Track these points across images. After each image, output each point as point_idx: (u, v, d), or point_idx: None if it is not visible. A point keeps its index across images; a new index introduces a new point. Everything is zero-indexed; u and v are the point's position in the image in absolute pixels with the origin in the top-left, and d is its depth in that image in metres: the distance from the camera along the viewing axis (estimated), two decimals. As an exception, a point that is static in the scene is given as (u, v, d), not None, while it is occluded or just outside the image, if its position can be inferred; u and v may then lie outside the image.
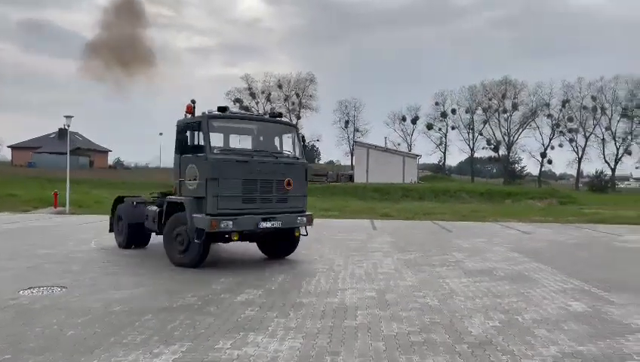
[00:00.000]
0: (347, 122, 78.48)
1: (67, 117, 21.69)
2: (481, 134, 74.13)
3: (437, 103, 74.72)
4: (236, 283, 7.90)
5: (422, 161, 68.23)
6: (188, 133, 9.09)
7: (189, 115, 9.27)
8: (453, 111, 74.03)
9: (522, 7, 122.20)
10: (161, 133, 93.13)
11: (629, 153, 66.18)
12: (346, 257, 10.55)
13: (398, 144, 71.42)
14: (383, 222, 20.02)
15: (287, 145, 9.91)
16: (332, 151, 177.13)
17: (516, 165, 73.98)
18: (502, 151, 73.67)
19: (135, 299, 6.79)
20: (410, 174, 48.62)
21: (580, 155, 68.21)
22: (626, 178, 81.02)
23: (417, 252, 11.50)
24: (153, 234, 10.84)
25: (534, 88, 68.90)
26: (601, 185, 58.53)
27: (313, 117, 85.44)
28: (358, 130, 78.39)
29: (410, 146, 76.41)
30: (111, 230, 11.98)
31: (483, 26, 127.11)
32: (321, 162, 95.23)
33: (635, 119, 64.88)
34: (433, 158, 79.16)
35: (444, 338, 5.30)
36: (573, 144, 68.64)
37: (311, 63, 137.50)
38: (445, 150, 76.74)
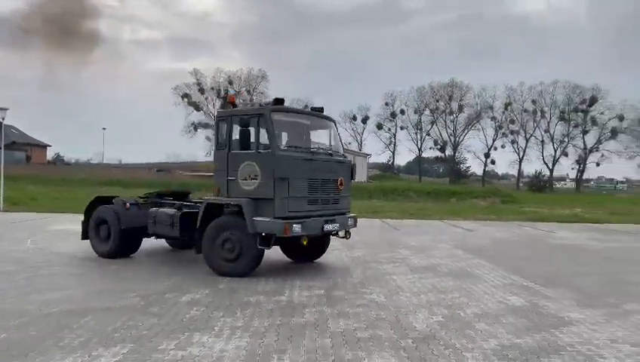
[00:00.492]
0: (298, 120, 78.52)
1: (1, 109, 20.49)
2: (428, 135, 76.11)
3: (387, 104, 76.05)
4: (182, 282, 7.73)
5: (372, 160, 69.28)
6: (239, 127, 7.96)
7: (231, 106, 8.58)
8: (402, 111, 75.56)
9: (470, 12, 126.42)
10: (104, 128, 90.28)
11: (566, 155, 69.79)
12: (295, 255, 10.53)
13: (349, 143, 72.03)
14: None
15: (334, 141, 9.23)
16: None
17: (461, 165, 76.45)
18: (448, 151, 75.90)
19: (74, 299, 6.51)
20: (360, 173, 49.18)
21: (520, 156, 71.29)
22: (562, 178, 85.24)
23: (365, 249, 11.65)
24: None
25: (479, 91, 71.49)
26: (539, 185, 61.35)
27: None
28: (309, 129, 78.64)
29: (360, 145, 77.44)
30: (85, 237, 10.09)
31: (432, 29, 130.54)
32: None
33: (572, 122, 68.47)
34: (383, 158, 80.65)
35: (389, 333, 5.39)
36: (515, 145, 71.67)
37: (263, 61, 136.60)
38: (394, 150, 78.29)
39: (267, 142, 7.99)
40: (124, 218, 9.42)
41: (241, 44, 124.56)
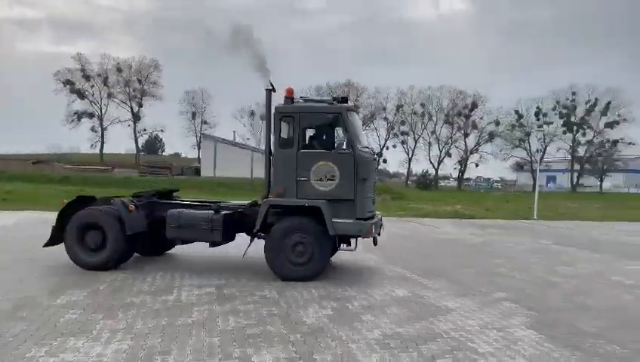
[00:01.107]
0: (194, 114, 76.10)
1: None
2: (325, 133, 77.74)
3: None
4: (57, 284, 7.13)
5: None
6: (314, 125, 7.90)
7: (289, 101, 8.03)
8: (300, 109, 76.40)
9: (366, 15, 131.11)
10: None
11: (450, 155, 75.16)
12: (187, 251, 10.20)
13: (247, 139, 71.35)
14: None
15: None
16: (177, 143, 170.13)
17: (356, 164, 79.19)
18: (343, 150, 78.13)
19: None
20: (258, 170, 48.90)
21: (410, 156, 75.48)
22: (446, 177, 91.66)
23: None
24: None
25: (374, 92, 74.41)
26: (426, 183, 65.53)
27: (157, 105, 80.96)
28: (206, 123, 76.54)
29: (259, 142, 76.97)
30: (52, 243, 8.59)
31: (330, 29, 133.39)
32: (165, 154, 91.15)
33: (455, 125, 73.91)
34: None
35: (279, 329, 5.41)
36: (405, 145, 75.65)
37: (157, 49, 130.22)
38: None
39: (339, 141, 7.95)
40: (130, 222, 8.23)
41: (133, 31, 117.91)
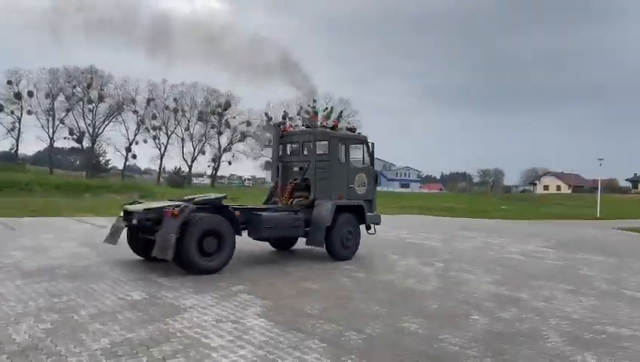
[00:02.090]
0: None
1: None
2: (63, 123, 69.15)
3: (10, 82, 65.03)
4: None
5: (-11, 147, 58.15)
6: (349, 149, 11.26)
7: (315, 123, 11.72)
8: (30, 93, 66.11)
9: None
10: None
11: (204, 153, 75.48)
12: None
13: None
14: None
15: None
16: None
17: (101, 158, 72.75)
18: (86, 142, 70.94)
19: None
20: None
21: (162, 152, 72.97)
22: (201, 175, 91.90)
23: (-36, 254, 9.57)
24: None
25: (121, 82, 69.41)
26: (179, 180, 64.44)
27: None
28: None
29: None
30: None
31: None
32: None
33: (209, 123, 74.56)
34: (4, 145, 68.67)
35: (-24, 353, 4.50)
36: (157, 141, 72.86)
37: None
38: (19, 137, 67.81)
39: (361, 158, 11.62)
40: (237, 227, 9.22)
41: None
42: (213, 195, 9.68)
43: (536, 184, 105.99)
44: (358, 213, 11.13)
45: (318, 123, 12.03)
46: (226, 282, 8.08)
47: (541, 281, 9.44)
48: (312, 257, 11.01)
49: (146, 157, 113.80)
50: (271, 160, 12.63)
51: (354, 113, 78.80)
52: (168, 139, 72.93)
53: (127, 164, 74.38)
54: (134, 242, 9.66)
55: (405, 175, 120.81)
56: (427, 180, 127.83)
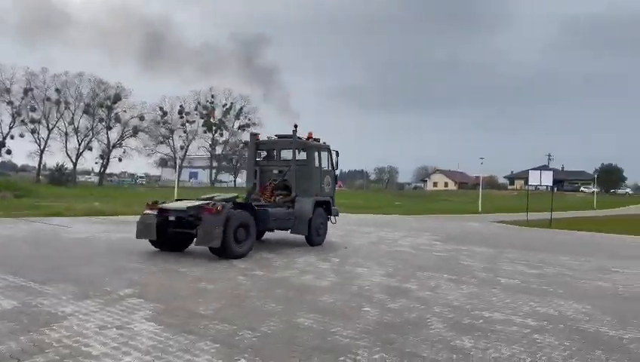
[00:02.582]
0: None
1: None
2: None
3: None
4: None
5: None
6: (321, 156, 14.13)
7: (312, 140, 14.02)
8: None
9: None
10: None
11: (90, 149, 70.27)
12: None
13: None
14: None
15: None
16: None
17: (-32, 154, 65.11)
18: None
19: None
20: None
21: (42, 147, 66.89)
22: (87, 172, 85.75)
23: None
24: None
25: (-7, 69, 62.31)
26: (62, 178, 59.48)
27: None
28: None
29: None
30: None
31: None
32: None
33: (97, 117, 69.56)
34: None
35: None
36: (36, 135, 66.63)
37: None
38: None
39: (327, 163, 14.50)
40: (258, 220, 11.35)
41: None
42: (224, 195, 12.11)
43: (426, 181, 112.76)
44: (327, 207, 13.90)
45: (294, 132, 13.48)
46: (113, 286, 7.58)
47: (428, 272, 10.03)
48: (208, 257, 10.72)
49: (23, 153, 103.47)
50: (247, 164, 16.09)
51: (254, 110, 78.15)
52: (49, 133, 67.02)
53: (2, 160, 67.33)
54: (162, 236, 10.99)
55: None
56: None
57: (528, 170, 36.78)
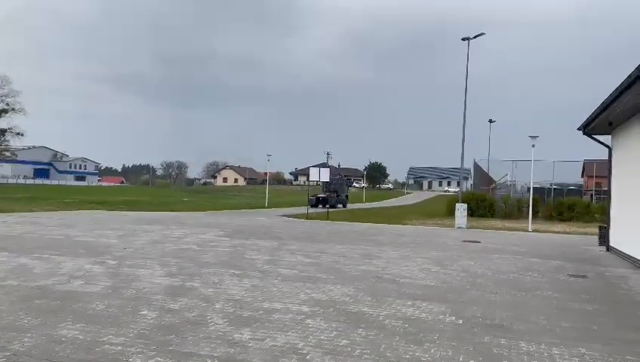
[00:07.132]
0: None
1: None
2: None
3: None
4: None
5: None
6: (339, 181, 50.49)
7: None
8: None
9: None
10: None
11: None
12: None
13: None
14: None
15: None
16: None
17: None
18: None
19: None
20: None
21: None
22: None
23: None
24: None
25: None
26: None
27: None
28: None
29: None
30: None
31: None
32: None
33: None
34: None
35: None
36: None
37: None
38: None
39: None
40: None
41: None
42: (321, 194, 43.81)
43: (216, 177, 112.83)
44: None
45: None
46: None
47: (212, 268, 9.96)
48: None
49: None
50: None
51: (15, 93, 67.56)
52: None
53: None
54: (316, 202, 40.55)
55: (81, 167, 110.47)
56: (107, 173, 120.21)
57: (309, 168, 40.19)
